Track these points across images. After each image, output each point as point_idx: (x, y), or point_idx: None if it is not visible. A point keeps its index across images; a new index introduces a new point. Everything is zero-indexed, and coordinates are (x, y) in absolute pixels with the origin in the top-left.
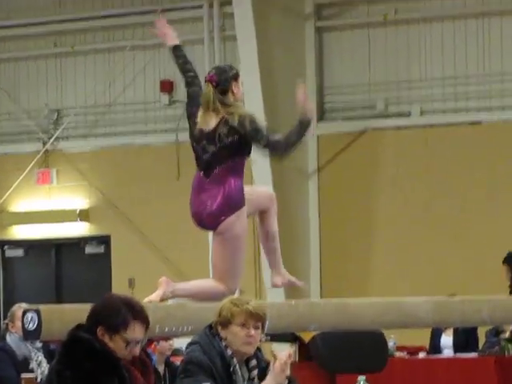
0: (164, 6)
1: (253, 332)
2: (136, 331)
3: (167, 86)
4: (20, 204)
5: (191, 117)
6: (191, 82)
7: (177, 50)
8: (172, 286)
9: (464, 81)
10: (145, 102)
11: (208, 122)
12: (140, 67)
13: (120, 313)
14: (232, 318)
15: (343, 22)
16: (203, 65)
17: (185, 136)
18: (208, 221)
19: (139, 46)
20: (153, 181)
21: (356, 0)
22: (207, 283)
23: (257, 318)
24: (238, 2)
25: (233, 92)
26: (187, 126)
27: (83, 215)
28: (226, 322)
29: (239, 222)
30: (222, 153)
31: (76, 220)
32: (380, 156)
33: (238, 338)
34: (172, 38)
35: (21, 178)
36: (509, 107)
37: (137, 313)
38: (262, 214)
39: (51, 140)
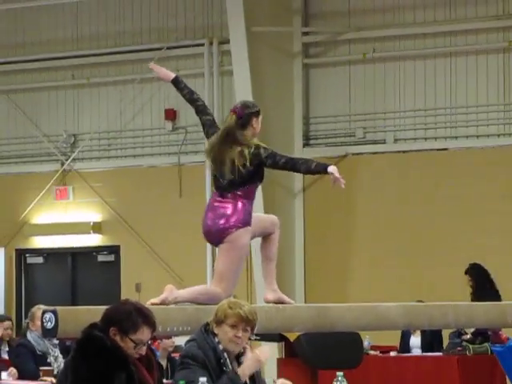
0: (169, 44)
1: (240, 334)
2: (144, 334)
3: (171, 114)
4: (40, 217)
5: (210, 137)
6: (202, 110)
7: (177, 83)
8: (175, 294)
9: (433, 112)
10: (151, 128)
11: (224, 152)
12: (147, 98)
13: (131, 317)
14: (225, 318)
15: (327, 60)
16: (203, 96)
17: (186, 158)
18: (216, 236)
19: (146, 79)
20: (158, 198)
21: (338, 40)
22: (204, 290)
23: (247, 321)
24: (235, 41)
25: (252, 126)
26: (188, 149)
27: (96, 228)
28: (219, 321)
29: (242, 238)
30: (238, 181)
31: (90, 232)
32: (359, 178)
33: (227, 337)
34: (168, 75)
35: (41, 194)
36: (472, 136)
37: (146, 318)
38: (266, 237)
39: (68, 161)
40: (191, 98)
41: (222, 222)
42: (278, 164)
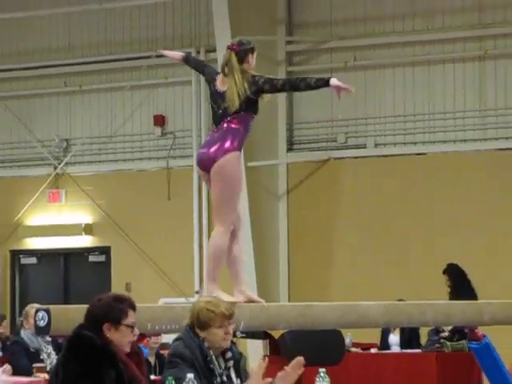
0: (158, 52)
1: (229, 329)
2: (132, 316)
3: (160, 121)
4: (34, 219)
5: (211, 81)
6: (206, 65)
7: (187, 60)
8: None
9: (412, 118)
10: (141, 133)
11: (224, 83)
12: (137, 104)
13: (115, 306)
14: (210, 321)
15: (310, 68)
16: (191, 101)
17: (174, 163)
18: (206, 161)
19: (136, 86)
20: (147, 201)
21: (321, 49)
22: (212, 254)
23: (230, 316)
24: (221, 50)
25: (248, 62)
26: (176, 154)
27: (87, 229)
28: (205, 326)
29: (232, 164)
30: (233, 108)
31: (81, 233)
32: (340, 181)
33: (219, 337)
34: (177, 55)
35: (35, 197)
36: (449, 141)
37: (127, 301)
38: (231, 239)
39: (61, 165)
40: (197, 64)
41: (212, 148)
42: (276, 87)
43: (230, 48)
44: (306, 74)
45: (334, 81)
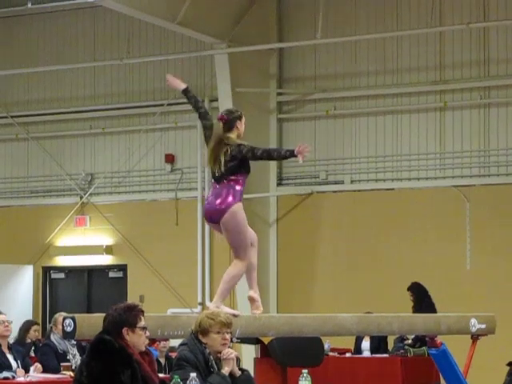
0: (169, 101)
1: (226, 336)
2: (143, 320)
3: (170, 159)
4: (63, 240)
5: (207, 139)
6: (204, 115)
7: (186, 92)
8: (216, 303)
9: (382, 159)
10: (154, 169)
11: (218, 152)
12: (151, 145)
13: (130, 314)
14: (210, 327)
15: (297, 115)
16: (196, 143)
17: (182, 194)
18: (214, 216)
19: (150, 130)
20: (158, 226)
21: (306, 100)
22: (227, 277)
23: (228, 325)
24: (222, 99)
25: (237, 128)
26: (184, 187)
27: (108, 250)
28: (205, 331)
29: (238, 212)
30: (227, 172)
31: (103, 253)
32: (322, 211)
33: (217, 342)
34: (180, 84)
35: (64, 221)
36: (414, 178)
37: (135, 308)
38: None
39: (86, 195)
40: (196, 106)
41: (218, 201)
42: (256, 155)
43: (219, 119)
44: (293, 120)
45: (297, 151)
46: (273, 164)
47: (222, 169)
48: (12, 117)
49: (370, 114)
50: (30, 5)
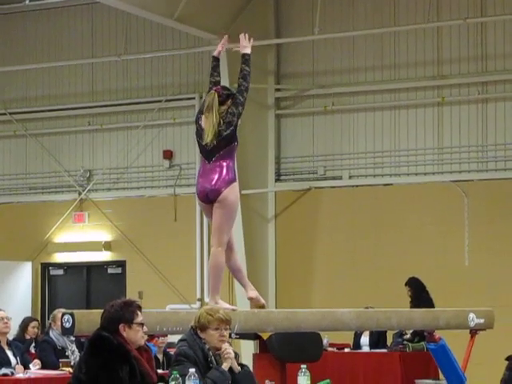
0: (167, 97)
1: (224, 332)
2: (140, 315)
3: (168, 155)
4: (61, 237)
5: (197, 121)
6: (210, 87)
7: (214, 60)
8: (214, 299)
9: (380, 154)
10: (152, 165)
11: (208, 121)
12: (149, 141)
13: (126, 310)
14: (208, 324)
15: (295, 111)
16: (194, 141)
17: (180, 190)
18: (211, 195)
19: (149, 126)
20: (157, 222)
21: (304, 95)
22: (212, 270)
23: (226, 322)
24: None
25: (227, 104)
26: (182, 183)
27: (107, 246)
28: (204, 327)
29: (232, 194)
30: (219, 144)
31: (101, 249)
32: (320, 207)
33: (214, 338)
34: (217, 52)
35: (62, 218)
36: (412, 174)
37: (133, 304)
38: (228, 253)
39: (84, 192)
40: (211, 76)
41: (212, 183)
42: (243, 103)
43: (215, 90)
44: (292, 116)
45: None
46: (271, 160)
47: (215, 141)
48: (10, 113)
49: (367, 109)
50: (28, 1)
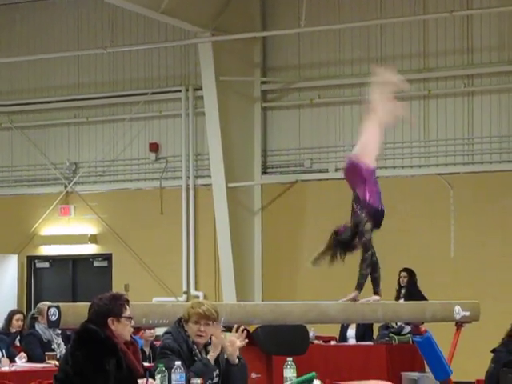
0: (153, 90)
1: (203, 328)
2: (128, 309)
3: (154, 147)
4: (47, 230)
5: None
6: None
7: None
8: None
9: None
10: (138, 158)
11: None
12: (135, 133)
13: (115, 303)
14: (189, 317)
15: (281, 104)
16: (180, 131)
17: (166, 183)
18: None
19: (134, 118)
20: (143, 215)
21: (291, 88)
22: None
23: (207, 317)
24: (207, 88)
25: None
26: (168, 176)
27: (92, 239)
28: (186, 320)
29: None
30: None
31: (87, 242)
32: (306, 200)
33: (193, 332)
34: None
35: (48, 211)
36: (398, 167)
37: (121, 298)
38: None
39: (70, 184)
40: None
41: None
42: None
43: None
44: (278, 109)
45: None
46: (257, 152)
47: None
48: None
49: (353, 102)
50: None
